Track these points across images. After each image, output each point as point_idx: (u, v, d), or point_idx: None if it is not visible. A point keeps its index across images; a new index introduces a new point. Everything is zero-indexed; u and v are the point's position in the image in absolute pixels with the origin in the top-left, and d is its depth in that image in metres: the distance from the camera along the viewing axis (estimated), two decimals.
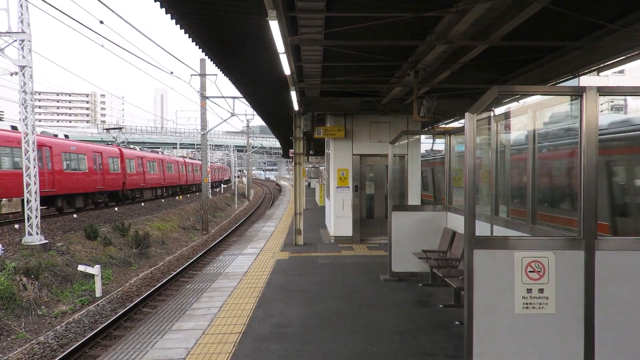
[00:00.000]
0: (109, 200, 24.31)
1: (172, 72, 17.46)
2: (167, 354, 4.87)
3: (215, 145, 68.49)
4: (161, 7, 6.21)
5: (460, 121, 14.74)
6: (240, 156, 71.69)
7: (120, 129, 37.62)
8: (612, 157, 7.82)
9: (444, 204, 8.13)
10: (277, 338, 5.23)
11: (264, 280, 8.13)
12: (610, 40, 6.68)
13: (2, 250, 11.69)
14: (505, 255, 3.64)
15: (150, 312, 9.50)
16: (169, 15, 6.57)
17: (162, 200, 30.27)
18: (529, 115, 5.23)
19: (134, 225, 18.61)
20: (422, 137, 15.31)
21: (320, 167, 30.90)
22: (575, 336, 3.65)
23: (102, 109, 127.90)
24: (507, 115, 6.91)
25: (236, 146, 62.90)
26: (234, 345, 5.03)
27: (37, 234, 12.85)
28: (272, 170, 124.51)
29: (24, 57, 12.62)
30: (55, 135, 21.36)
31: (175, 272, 13.34)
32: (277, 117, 18.90)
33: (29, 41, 12.64)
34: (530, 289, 3.62)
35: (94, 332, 8.44)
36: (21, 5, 12.52)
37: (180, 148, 64.05)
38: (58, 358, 7.46)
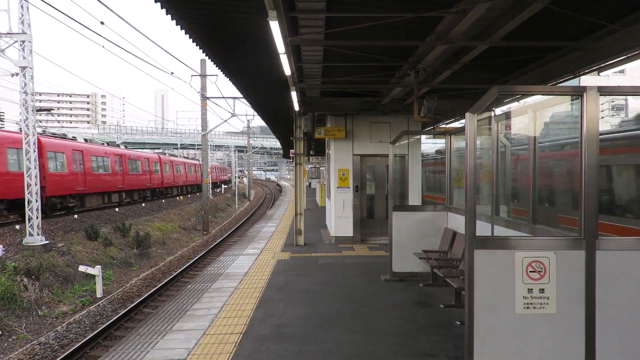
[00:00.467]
0: (152, 195, 31.58)
1: (172, 73, 17.47)
2: (167, 354, 4.87)
3: (216, 146, 68.49)
4: (162, 7, 6.21)
5: (461, 121, 14.74)
6: (241, 156, 71.68)
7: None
8: None
9: (444, 204, 8.13)
10: (278, 338, 5.23)
11: (264, 280, 8.13)
12: (611, 40, 6.67)
13: (3, 250, 11.70)
14: (506, 255, 3.63)
15: (151, 313, 9.50)
16: (169, 15, 6.57)
17: (163, 201, 30.40)
18: (530, 115, 5.23)
19: (135, 226, 18.62)
20: (423, 137, 15.30)
21: (321, 168, 30.91)
22: (576, 336, 3.64)
23: (103, 109, 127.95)
24: (507, 115, 6.91)
25: (237, 146, 62.90)
26: (234, 346, 5.03)
27: (38, 234, 12.86)
28: (273, 170, 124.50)
29: (24, 58, 12.63)
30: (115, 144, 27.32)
31: (176, 273, 13.35)
32: (277, 118, 18.90)
33: (29, 42, 12.65)
34: (531, 289, 3.62)
35: (94, 333, 8.44)
36: (22, 6, 12.53)
37: (181, 148, 64.06)
38: (59, 359, 7.47)
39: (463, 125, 7.90)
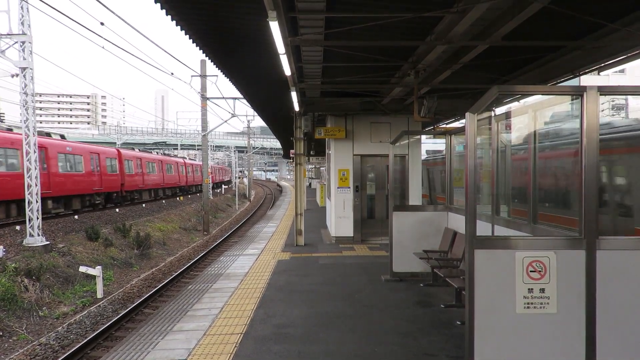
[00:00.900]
0: (179, 192, 38.87)
1: (172, 74, 17.44)
2: (168, 354, 4.87)
3: (216, 146, 68.51)
4: (162, 8, 6.22)
5: (461, 121, 14.74)
6: (241, 157, 71.65)
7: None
8: None
9: (444, 204, 8.13)
10: (279, 338, 5.24)
11: (265, 280, 8.13)
12: (611, 40, 6.67)
13: (4, 251, 11.71)
14: (506, 255, 3.64)
15: (152, 313, 9.50)
16: (169, 16, 6.57)
17: (163, 201, 30.40)
18: (530, 115, 5.23)
19: (135, 227, 18.62)
20: (423, 137, 15.30)
21: (321, 168, 30.90)
22: (576, 336, 3.64)
23: (103, 110, 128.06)
24: (507, 115, 6.91)
25: (237, 147, 62.89)
26: (235, 346, 5.03)
27: (39, 235, 12.86)
28: (273, 170, 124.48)
29: (24, 58, 12.63)
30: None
31: (176, 273, 13.34)
32: (277, 118, 18.90)
33: (29, 43, 12.65)
34: (532, 289, 3.62)
35: (95, 333, 8.44)
36: (22, 7, 12.54)
37: (181, 149, 64.08)
38: (60, 359, 7.47)
39: (463, 125, 7.90)
